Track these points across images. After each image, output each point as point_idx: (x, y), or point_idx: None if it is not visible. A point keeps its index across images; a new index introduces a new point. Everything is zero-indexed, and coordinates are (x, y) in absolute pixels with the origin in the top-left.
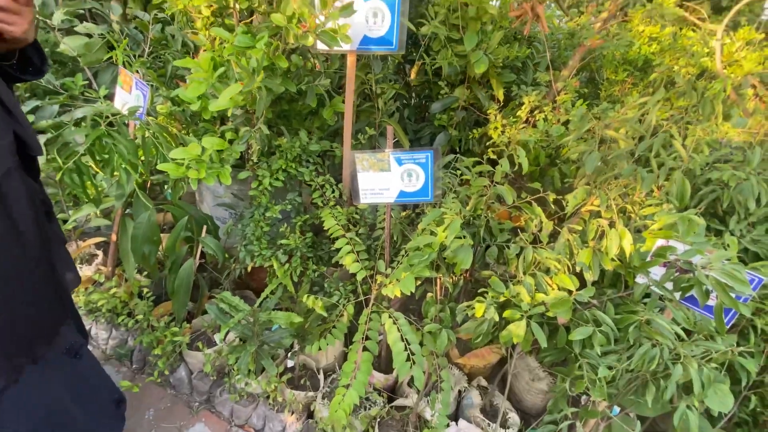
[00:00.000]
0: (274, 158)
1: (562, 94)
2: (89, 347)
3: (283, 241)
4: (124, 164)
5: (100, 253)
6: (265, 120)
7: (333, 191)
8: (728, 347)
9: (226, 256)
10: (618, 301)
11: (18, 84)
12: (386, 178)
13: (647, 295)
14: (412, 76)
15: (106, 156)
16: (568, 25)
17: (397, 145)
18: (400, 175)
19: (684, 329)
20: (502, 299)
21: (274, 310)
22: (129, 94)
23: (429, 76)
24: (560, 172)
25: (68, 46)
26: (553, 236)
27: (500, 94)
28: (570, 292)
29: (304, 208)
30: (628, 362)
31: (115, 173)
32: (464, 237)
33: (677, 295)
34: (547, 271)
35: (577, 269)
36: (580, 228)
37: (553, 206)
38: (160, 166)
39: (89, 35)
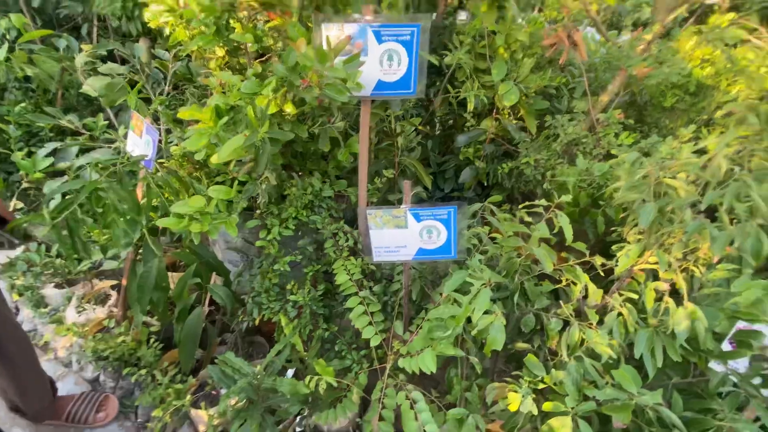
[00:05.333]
0: (284, 206)
1: (602, 124)
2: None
3: (291, 297)
4: (119, 218)
5: (114, 294)
6: (273, 167)
7: (347, 239)
8: None
9: (237, 303)
10: (685, 386)
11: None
12: (403, 234)
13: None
14: (436, 106)
15: (101, 210)
16: (609, 51)
17: (418, 182)
18: (419, 232)
19: None
20: (541, 386)
21: (283, 369)
22: (140, 139)
23: (454, 107)
24: (604, 215)
25: (90, 86)
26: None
27: (532, 125)
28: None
29: (318, 256)
30: None
31: (106, 230)
32: (495, 311)
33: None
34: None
35: (636, 354)
36: (635, 296)
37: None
38: (158, 222)
39: (111, 75)
